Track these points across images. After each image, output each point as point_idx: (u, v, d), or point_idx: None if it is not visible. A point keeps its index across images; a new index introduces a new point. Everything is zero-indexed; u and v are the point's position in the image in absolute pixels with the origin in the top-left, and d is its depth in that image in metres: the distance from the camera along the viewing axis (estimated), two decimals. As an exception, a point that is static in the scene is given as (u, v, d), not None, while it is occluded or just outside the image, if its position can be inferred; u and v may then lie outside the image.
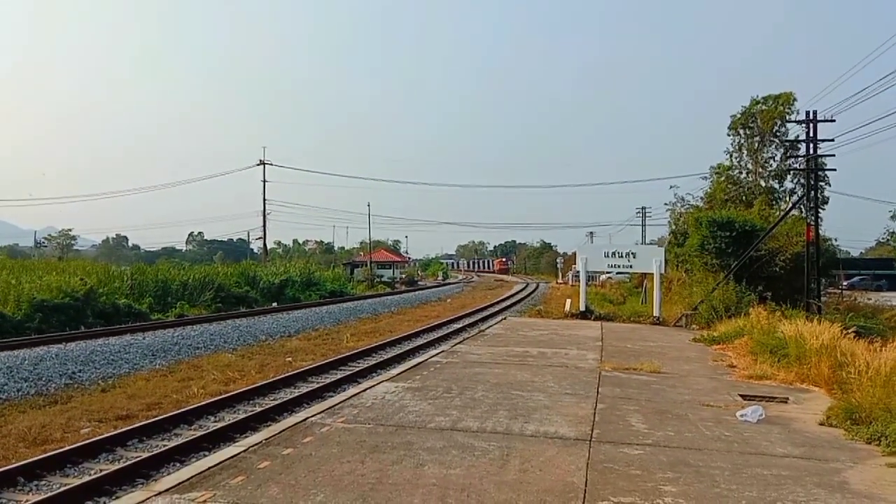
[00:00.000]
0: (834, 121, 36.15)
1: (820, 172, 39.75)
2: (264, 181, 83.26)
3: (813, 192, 36.02)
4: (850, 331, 20.29)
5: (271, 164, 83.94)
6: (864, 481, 9.25)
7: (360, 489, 8.35)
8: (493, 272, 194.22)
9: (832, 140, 36.05)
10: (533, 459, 9.78)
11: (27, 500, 10.63)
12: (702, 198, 57.23)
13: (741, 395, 15.04)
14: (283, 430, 11.24)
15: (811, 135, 35.49)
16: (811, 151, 35.67)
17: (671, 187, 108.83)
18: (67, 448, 13.03)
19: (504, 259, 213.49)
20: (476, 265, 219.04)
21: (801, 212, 38.31)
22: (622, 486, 8.70)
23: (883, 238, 72.89)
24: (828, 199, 48.53)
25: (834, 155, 37.11)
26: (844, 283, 60.63)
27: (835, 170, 41.20)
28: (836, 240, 55.06)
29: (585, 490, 8.53)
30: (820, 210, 38.40)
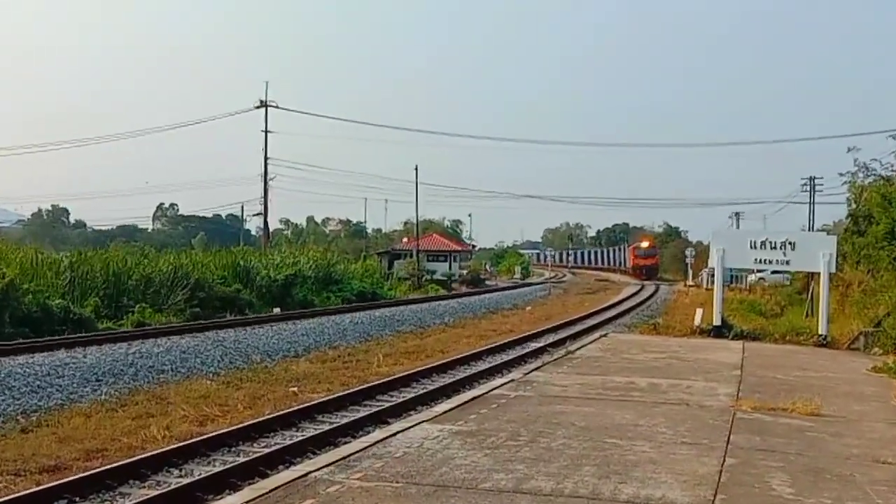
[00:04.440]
0: None
1: None
2: (266, 131, 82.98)
3: None
4: None
5: (276, 107, 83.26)
6: None
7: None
8: (612, 268, 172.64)
9: None
10: (627, 538, 9.85)
11: None
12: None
13: (936, 450, 14.97)
14: (275, 490, 11.34)
15: None
16: None
17: (849, 150, 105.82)
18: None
19: (653, 245, 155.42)
20: (573, 258, 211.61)
21: None
22: (753, 579, 8.74)
23: None
24: None
25: None
26: None
27: None
28: None
29: (699, 582, 8.58)
30: None
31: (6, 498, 14.06)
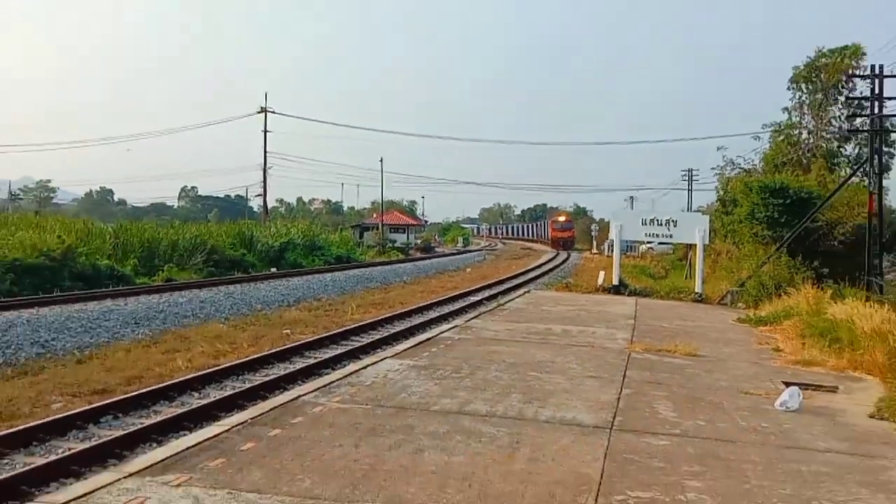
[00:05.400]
0: (904, 76, 35.91)
1: (887, 135, 39.40)
2: (265, 131, 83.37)
3: (877, 157, 35.76)
4: None
5: (273, 112, 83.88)
6: (914, 480, 9.27)
7: (352, 476, 8.42)
8: (534, 239, 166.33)
9: (901, 98, 35.81)
10: (545, 448, 9.84)
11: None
12: (759, 160, 56.89)
13: (785, 383, 14.93)
14: (272, 409, 11.33)
15: (876, 92, 35.23)
16: (876, 110, 35.41)
17: (719, 149, 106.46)
18: (35, 424, 13.20)
19: (569, 219, 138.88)
20: (504, 231, 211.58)
21: (865, 179, 38.01)
22: (642, 480, 8.75)
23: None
24: (890, 165, 48.12)
25: (903, 115, 36.77)
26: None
27: (902, 131, 40.61)
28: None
29: (600, 483, 8.57)
30: (885, 178, 38.14)
31: (67, 413, 14.06)
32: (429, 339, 19.30)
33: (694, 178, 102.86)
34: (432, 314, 31.37)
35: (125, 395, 15.61)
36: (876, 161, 35.80)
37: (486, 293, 41.14)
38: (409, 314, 31.13)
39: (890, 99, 35.36)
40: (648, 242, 67.84)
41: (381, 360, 16.02)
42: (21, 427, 12.98)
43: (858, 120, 42.31)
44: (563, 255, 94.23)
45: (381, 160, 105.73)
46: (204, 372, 18.07)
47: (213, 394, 16.50)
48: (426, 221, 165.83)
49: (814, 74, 55.37)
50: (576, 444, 10.06)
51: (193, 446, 9.38)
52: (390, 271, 57.78)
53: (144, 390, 16.06)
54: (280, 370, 19.09)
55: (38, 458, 11.86)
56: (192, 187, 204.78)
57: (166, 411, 14.99)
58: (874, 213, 34.45)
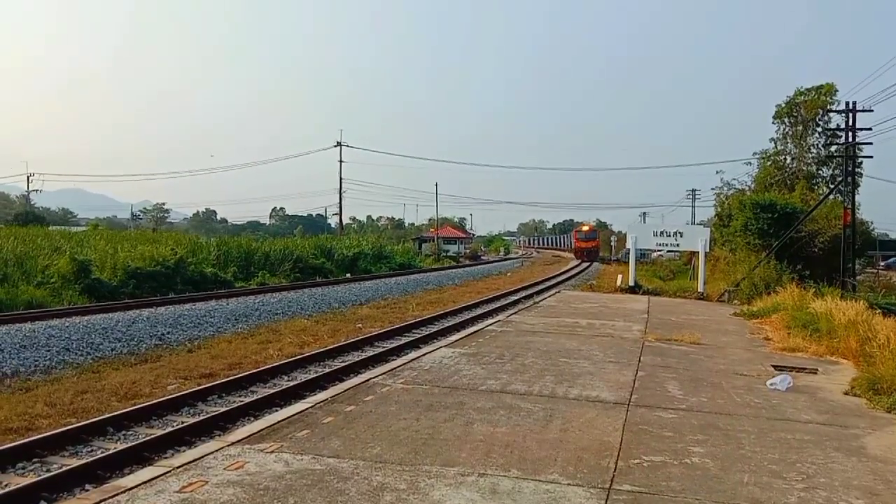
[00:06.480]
0: (872, 111, 35.70)
1: (857, 160, 39.03)
2: (340, 161, 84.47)
3: (850, 178, 35.53)
4: (874, 308, 20.17)
5: (347, 146, 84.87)
6: (881, 447, 9.18)
7: (414, 443, 8.48)
8: (562, 249, 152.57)
9: (870, 129, 35.65)
10: (574, 420, 9.83)
11: (114, 448, 10.95)
12: (751, 182, 56.67)
13: (773, 366, 14.90)
14: (348, 389, 11.39)
15: (850, 124, 35.06)
16: (849, 139, 35.18)
17: (717, 172, 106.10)
18: (154, 402, 13.41)
19: (592, 228, 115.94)
20: (538, 242, 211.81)
21: (840, 196, 37.76)
22: (654, 447, 8.73)
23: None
24: (859, 184, 47.66)
25: (871, 143, 36.53)
26: (881, 264, 59.76)
27: (871, 157, 40.34)
28: (872, 223, 54.27)
29: (620, 449, 8.57)
30: (856, 195, 37.88)
31: (180, 393, 14.31)
32: (476, 331, 19.29)
33: (696, 196, 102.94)
34: (479, 311, 31.33)
35: (227, 378, 15.78)
36: (850, 181, 35.60)
37: (524, 293, 41.10)
38: (459, 311, 31.14)
39: (861, 130, 35.16)
40: (659, 251, 67.50)
41: (437, 348, 16.05)
42: (143, 405, 13.18)
43: (834, 147, 42.10)
44: (587, 262, 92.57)
45: (436, 184, 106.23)
46: (292, 359, 18.21)
47: (300, 377, 16.59)
48: (473, 234, 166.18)
49: (794, 110, 55.07)
50: (599, 418, 10.04)
51: (284, 420, 9.46)
52: (444, 276, 57.75)
53: (243, 374, 16.24)
54: (354, 357, 19.15)
55: (156, 430, 12.02)
56: (281, 207, 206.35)
57: (261, 391, 15.12)
58: (848, 224, 34.28)
